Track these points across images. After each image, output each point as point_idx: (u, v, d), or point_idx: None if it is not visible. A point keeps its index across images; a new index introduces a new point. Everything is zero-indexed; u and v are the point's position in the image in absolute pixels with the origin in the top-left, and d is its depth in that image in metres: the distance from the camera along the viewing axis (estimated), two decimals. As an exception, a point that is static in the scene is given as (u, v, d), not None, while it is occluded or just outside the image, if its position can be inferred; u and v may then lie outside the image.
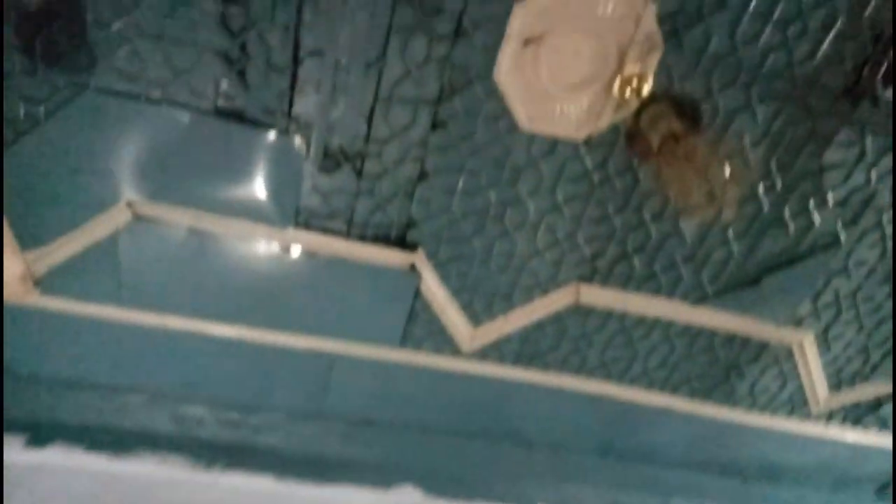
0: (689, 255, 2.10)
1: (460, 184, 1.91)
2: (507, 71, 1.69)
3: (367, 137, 1.80)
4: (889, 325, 2.28)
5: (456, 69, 1.69)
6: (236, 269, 2.02)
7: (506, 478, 2.59)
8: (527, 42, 1.65)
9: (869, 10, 1.62)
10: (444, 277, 2.12)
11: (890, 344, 2.33)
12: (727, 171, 1.38)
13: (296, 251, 2.02)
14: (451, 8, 1.58)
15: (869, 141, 1.84)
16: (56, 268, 1.91)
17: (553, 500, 2.63)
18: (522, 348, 2.33)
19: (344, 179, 1.88)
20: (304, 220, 1.95)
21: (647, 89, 1.66)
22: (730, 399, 2.50)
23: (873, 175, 1.91)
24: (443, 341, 2.27)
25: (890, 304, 2.20)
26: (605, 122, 1.78)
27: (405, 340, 2.25)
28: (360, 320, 2.20)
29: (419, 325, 2.22)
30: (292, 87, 1.67)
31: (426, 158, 1.85)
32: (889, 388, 2.45)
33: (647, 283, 2.17)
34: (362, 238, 2.01)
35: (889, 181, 1.92)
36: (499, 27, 1.62)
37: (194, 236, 1.93)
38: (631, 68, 1.67)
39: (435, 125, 1.79)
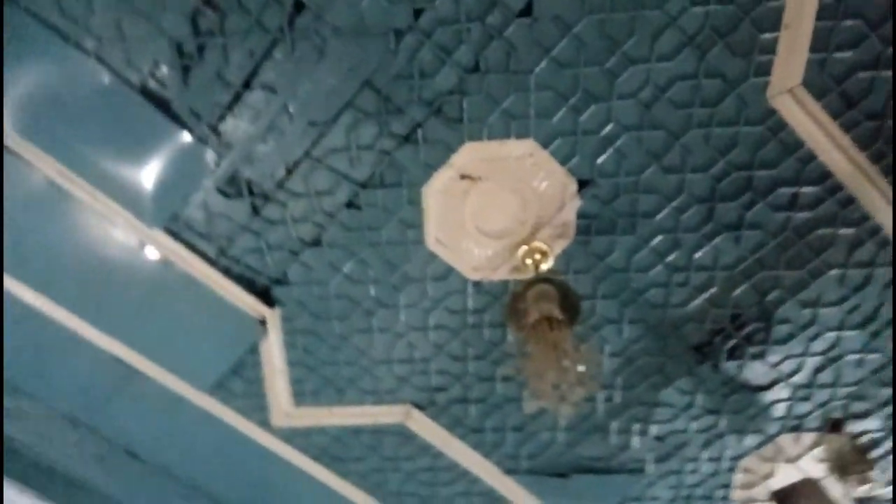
0: (519, 426, 2.15)
1: (347, 267, 1.88)
2: (437, 191, 1.74)
3: (281, 184, 1.75)
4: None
5: (394, 167, 1.71)
6: (79, 242, 1.82)
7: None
8: (463, 176, 1.72)
9: (737, 292, 1.84)
10: (289, 346, 2.02)
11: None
12: (581, 374, 1.46)
13: (152, 254, 1.86)
14: (412, 115, 1.63)
15: (700, 397, 2.03)
16: None
17: None
18: (331, 446, 2.23)
19: (238, 210, 1.79)
20: (177, 228, 1.82)
21: (545, 266, 1.76)
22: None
23: (693, 426, 2.10)
24: (256, 407, 2.13)
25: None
26: (499, 275, 1.86)
27: (217, 389, 2.09)
28: (183, 349, 2.03)
29: (239, 381, 2.08)
30: (230, 106, 1.61)
31: (327, 229, 1.82)
32: None
33: (473, 434, 2.18)
34: (227, 272, 1.90)
35: (703, 438, 2.11)
36: (446, 151, 1.68)
37: (52, 191, 1.73)
38: (540, 242, 1.77)
39: (350, 204, 1.78)
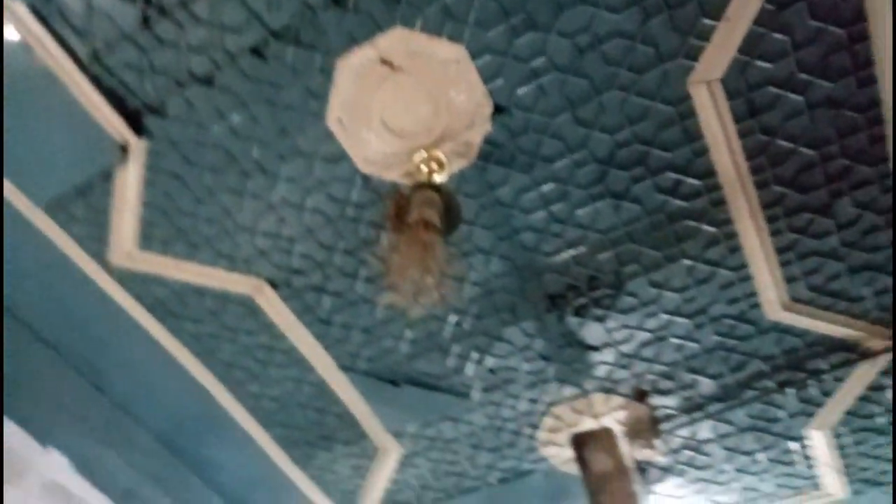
0: (367, 328, 2.18)
1: (235, 118, 1.73)
2: (352, 68, 1.64)
3: (184, 2, 1.55)
4: (450, 480, 2.60)
5: (314, 27, 1.57)
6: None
7: (47, 402, 2.23)
8: (384, 62, 1.63)
9: (601, 256, 1.96)
10: (149, 183, 1.86)
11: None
12: (441, 284, 1.49)
13: (11, 33, 1.59)
14: (349, -25, 1.50)
15: (539, 342, 2.16)
16: None
17: (78, 455, 2.32)
18: (169, 300, 2.12)
19: (126, 14, 1.57)
20: (47, 11, 1.56)
21: (438, 179, 1.74)
22: (305, 462, 2.56)
23: (524, 367, 2.24)
24: (95, 238, 1.96)
25: (457, 465, 2.53)
26: (391, 175, 1.82)
27: (55, 208, 1.89)
28: (24, 154, 1.79)
29: (82, 205, 1.89)
30: None
31: (223, 70, 1.65)
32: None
33: (320, 325, 2.18)
34: (97, 81, 1.67)
35: (530, 379, 2.26)
36: (373, 28, 1.58)
37: None
38: (439, 154, 1.75)
39: (256, 50, 1.63)
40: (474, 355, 2.22)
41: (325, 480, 2.64)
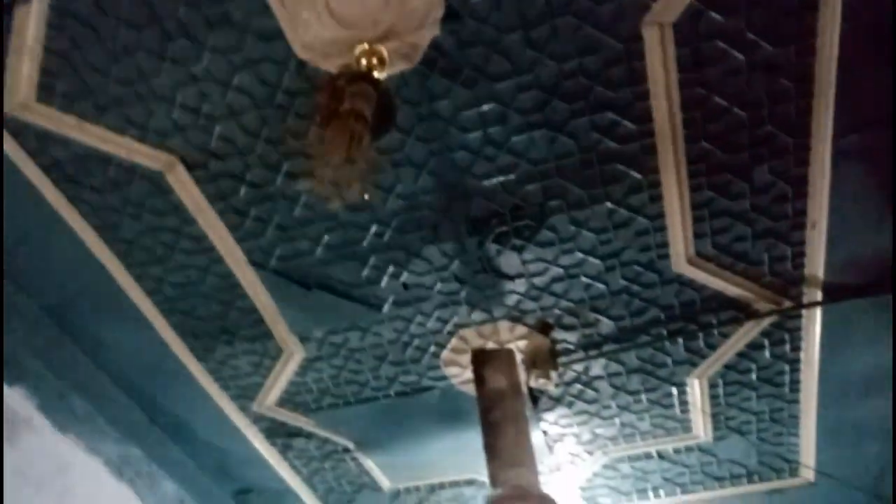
0: (284, 225, 2.10)
1: (164, -27, 1.56)
2: (300, -62, 1.50)
3: None
4: (350, 387, 2.64)
5: None
6: None
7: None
8: (338, -63, 1.51)
9: (528, 187, 1.96)
10: (54, 27, 1.66)
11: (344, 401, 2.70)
12: (364, 179, 1.45)
13: None
14: None
15: (456, 264, 2.17)
16: None
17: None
18: (68, 163, 1.95)
19: None
20: None
21: (378, 75, 1.66)
22: (204, 354, 2.51)
23: (438, 286, 2.25)
24: (-13, 81, 1.76)
25: (359, 375, 2.57)
26: (328, 65, 1.71)
27: (-60, 37, 1.67)
28: None
29: (-26, 41, 1.68)
30: None
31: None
32: (312, 428, 2.82)
33: (235, 215, 2.08)
34: None
35: (442, 299, 2.29)
36: None
37: None
38: (382, 50, 1.66)
39: None
40: (391, 269, 2.21)
41: (223, 375, 2.61)
